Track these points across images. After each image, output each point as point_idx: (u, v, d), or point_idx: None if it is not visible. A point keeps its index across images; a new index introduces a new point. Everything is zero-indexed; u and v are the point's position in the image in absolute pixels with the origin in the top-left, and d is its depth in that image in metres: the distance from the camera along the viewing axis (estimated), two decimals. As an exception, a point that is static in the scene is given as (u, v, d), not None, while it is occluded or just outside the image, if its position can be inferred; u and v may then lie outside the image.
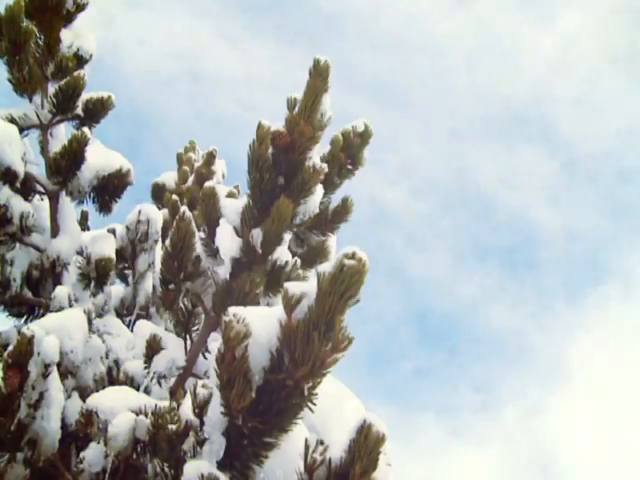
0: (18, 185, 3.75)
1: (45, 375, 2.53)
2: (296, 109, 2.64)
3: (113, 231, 4.06)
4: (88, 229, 5.35)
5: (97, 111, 4.18)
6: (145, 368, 2.88)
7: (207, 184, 2.88)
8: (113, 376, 3.27)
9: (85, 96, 4.17)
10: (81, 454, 2.54)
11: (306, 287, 1.74)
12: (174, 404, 2.25)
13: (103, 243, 3.71)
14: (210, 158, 7.28)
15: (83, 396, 2.87)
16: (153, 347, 2.86)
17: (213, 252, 2.75)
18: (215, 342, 2.57)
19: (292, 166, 2.64)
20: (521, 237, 24.65)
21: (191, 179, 7.23)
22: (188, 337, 2.86)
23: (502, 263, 25.40)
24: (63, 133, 4.28)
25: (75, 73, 4.13)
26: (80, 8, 4.31)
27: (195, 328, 2.88)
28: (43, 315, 3.41)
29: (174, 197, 6.30)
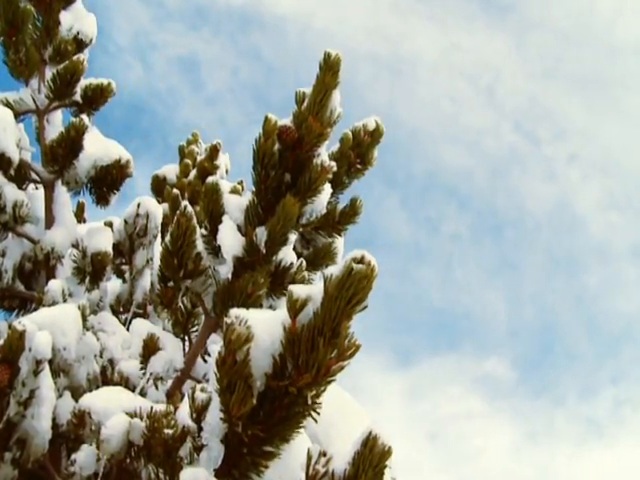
0: (12, 172, 3.75)
1: (36, 372, 2.53)
2: (305, 104, 2.65)
3: (110, 224, 4.07)
4: (84, 221, 5.36)
5: (96, 98, 4.17)
6: (141, 369, 2.89)
7: (210, 179, 2.87)
8: (107, 376, 3.27)
9: (84, 82, 4.17)
10: (72, 456, 2.55)
11: (312, 290, 1.73)
12: (171, 407, 2.26)
13: (100, 236, 3.72)
14: (213, 152, 7.26)
15: (75, 396, 2.86)
16: (150, 347, 2.86)
17: (215, 250, 2.75)
18: (215, 344, 2.58)
19: (299, 163, 2.64)
20: None
21: (193, 173, 7.22)
22: (187, 338, 2.87)
23: None
24: (60, 120, 4.28)
25: (74, 57, 4.12)
26: (81, -11, 4.33)
27: (194, 329, 2.89)
28: (35, 309, 3.40)
29: (175, 191, 6.32)
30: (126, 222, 4.01)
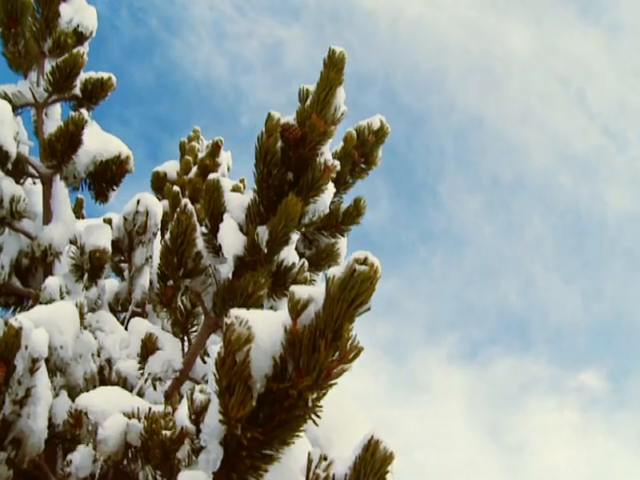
0: (9, 166, 3.76)
1: (33, 370, 2.53)
2: (308, 101, 2.64)
3: (109, 221, 4.08)
4: (83, 217, 5.39)
5: (96, 92, 4.19)
6: (139, 369, 2.89)
7: (211, 176, 2.87)
8: (105, 375, 3.28)
9: (84, 75, 4.19)
10: (68, 457, 2.55)
11: (314, 292, 1.73)
12: (169, 409, 2.26)
13: (98, 233, 3.73)
14: (215, 149, 7.25)
15: (72, 395, 2.87)
16: (148, 347, 2.86)
17: (215, 249, 2.75)
18: (214, 345, 2.58)
19: (302, 162, 2.64)
20: None
21: (194, 170, 7.22)
22: (186, 338, 2.87)
23: None
24: (59, 113, 4.29)
25: (74, 50, 4.14)
26: (81, -19, 4.33)
27: (194, 329, 2.89)
28: (32, 306, 3.41)
29: (175, 188, 6.32)
30: (125, 219, 4.01)
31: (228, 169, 7.52)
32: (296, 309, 1.71)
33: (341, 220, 3.56)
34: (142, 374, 2.85)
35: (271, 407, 1.74)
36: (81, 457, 2.51)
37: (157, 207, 4.04)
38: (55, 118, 4.21)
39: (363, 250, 1.68)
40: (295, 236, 2.74)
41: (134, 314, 4.01)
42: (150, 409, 2.32)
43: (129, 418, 2.37)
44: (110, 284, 4.21)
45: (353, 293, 1.64)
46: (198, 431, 1.91)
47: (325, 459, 1.67)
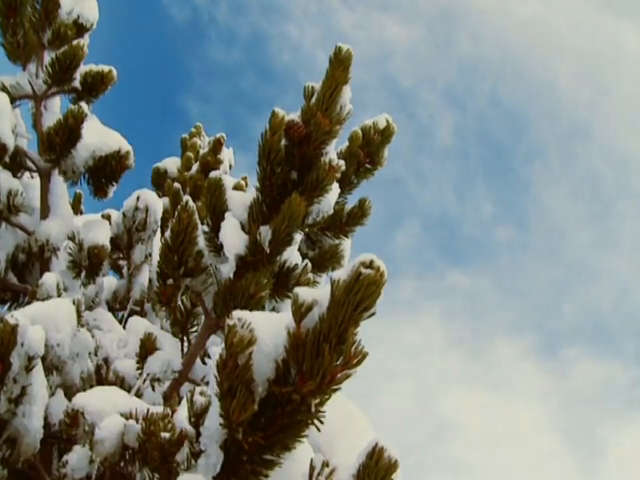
0: (7, 159, 3.75)
1: (28, 368, 2.52)
2: (313, 99, 2.65)
3: (108, 217, 4.08)
4: (81, 213, 5.39)
5: (96, 85, 4.18)
6: (137, 369, 2.90)
7: (213, 173, 2.88)
8: (102, 375, 3.27)
9: (84, 68, 4.18)
10: (64, 457, 2.54)
11: (318, 294, 1.73)
12: (168, 410, 2.27)
13: (97, 229, 3.72)
14: (217, 145, 7.22)
15: (68, 394, 2.87)
16: (147, 347, 2.87)
17: (216, 248, 2.76)
18: (214, 346, 2.58)
19: (306, 161, 2.65)
20: None
21: (195, 167, 7.19)
22: (186, 338, 2.88)
23: None
24: (58, 106, 4.29)
25: (74, 42, 4.13)
26: (82, -29, 4.33)
27: (193, 329, 2.90)
28: (29, 303, 3.41)
29: (176, 185, 6.32)
30: (125, 215, 4.00)
31: (230, 166, 7.50)
32: (300, 312, 1.71)
33: (345, 221, 3.56)
34: (140, 374, 2.86)
35: (273, 411, 1.74)
36: (77, 458, 2.51)
37: (157, 204, 4.04)
38: (54, 111, 4.21)
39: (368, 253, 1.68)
40: (298, 236, 2.74)
41: (133, 313, 4.01)
42: (148, 410, 2.32)
43: (127, 419, 2.37)
44: (108, 282, 4.20)
45: (358, 297, 1.64)
46: (198, 434, 1.90)
47: (327, 466, 1.67)
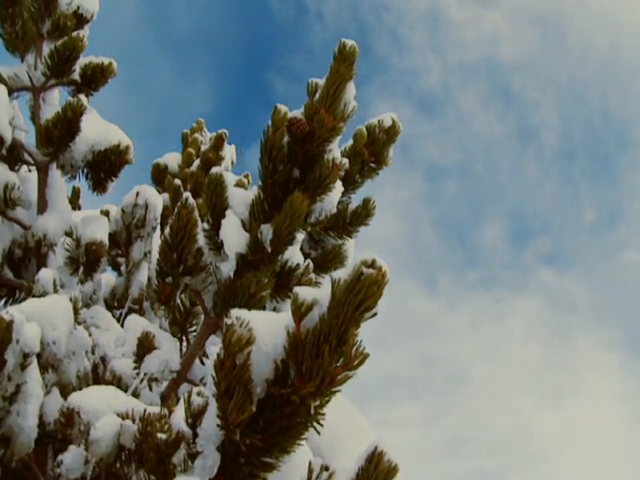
0: (4, 152, 3.76)
1: (24, 366, 2.53)
2: (317, 96, 2.65)
3: (107, 213, 4.09)
4: (79, 208, 5.40)
5: (96, 78, 4.19)
6: (135, 368, 2.90)
7: (214, 170, 2.88)
8: (99, 374, 3.29)
9: (83, 60, 4.19)
10: (59, 457, 2.55)
11: (319, 294, 1.73)
12: (165, 411, 2.27)
13: (95, 225, 3.73)
14: (219, 141, 7.23)
15: (64, 393, 2.87)
16: (145, 346, 2.87)
17: (217, 246, 2.76)
18: (214, 346, 2.60)
19: (309, 158, 2.65)
20: None
21: (196, 163, 7.20)
22: (184, 338, 2.88)
23: None
24: (57, 99, 4.29)
25: (74, 33, 4.14)
26: (83, -40, 4.34)
27: (193, 329, 2.91)
28: (24, 299, 3.42)
29: (176, 181, 6.32)
30: (124, 211, 4.02)
31: (232, 163, 7.51)
32: (300, 311, 1.72)
33: (349, 221, 3.55)
34: (138, 374, 2.86)
35: (272, 413, 1.74)
36: (72, 458, 2.51)
37: (157, 200, 4.05)
38: (53, 104, 4.21)
39: (370, 253, 1.69)
40: (300, 236, 2.74)
41: (131, 311, 4.02)
42: (145, 410, 2.32)
43: (123, 419, 2.37)
44: (106, 279, 4.21)
45: (359, 297, 1.64)
46: (195, 435, 1.91)
47: (327, 469, 1.68)
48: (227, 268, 2.69)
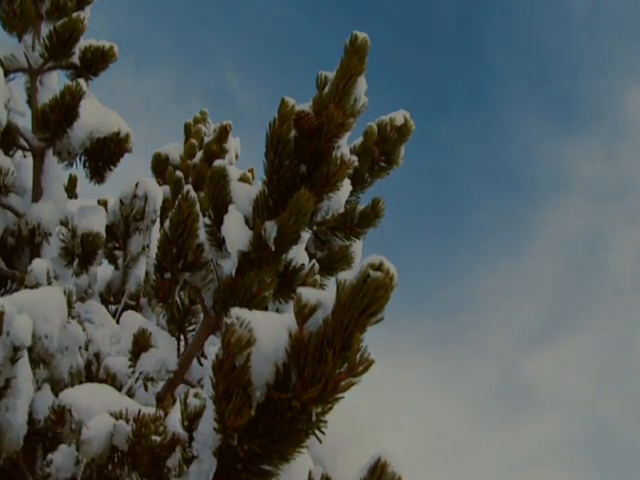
0: (-1, 135, 3.79)
1: (13, 360, 2.55)
2: (326, 89, 2.65)
3: (104, 203, 4.09)
4: (76, 197, 5.41)
5: (96, 62, 4.20)
6: (130, 367, 2.89)
7: (217, 162, 2.88)
8: (92, 371, 3.28)
9: (84, 43, 4.20)
10: (48, 456, 2.53)
11: (323, 296, 1.72)
12: (160, 412, 2.27)
13: (92, 216, 3.73)
14: (222, 133, 7.21)
15: (56, 390, 2.86)
16: (141, 343, 2.87)
17: (218, 242, 2.76)
18: (213, 346, 2.60)
19: (317, 154, 2.65)
20: None
21: (199, 155, 7.20)
22: (182, 337, 2.87)
23: None
24: (55, 82, 4.30)
25: (74, 14, 4.14)
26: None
27: (191, 328, 2.90)
28: (16, 290, 3.44)
29: (178, 173, 6.32)
30: (122, 202, 4.01)
31: (236, 156, 7.49)
32: (303, 313, 1.71)
33: (357, 221, 3.54)
34: (133, 372, 2.86)
35: (271, 418, 1.74)
36: (62, 457, 2.50)
37: (157, 192, 4.04)
38: (51, 87, 4.22)
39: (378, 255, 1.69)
40: (306, 235, 2.73)
41: (127, 307, 4.03)
42: (140, 411, 2.32)
43: (116, 419, 2.36)
44: (102, 272, 4.22)
45: (365, 301, 1.63)
46: (191, 439, 1.90)
47: (327, 479, 1.68)
48: (228, 265, 2.70)
